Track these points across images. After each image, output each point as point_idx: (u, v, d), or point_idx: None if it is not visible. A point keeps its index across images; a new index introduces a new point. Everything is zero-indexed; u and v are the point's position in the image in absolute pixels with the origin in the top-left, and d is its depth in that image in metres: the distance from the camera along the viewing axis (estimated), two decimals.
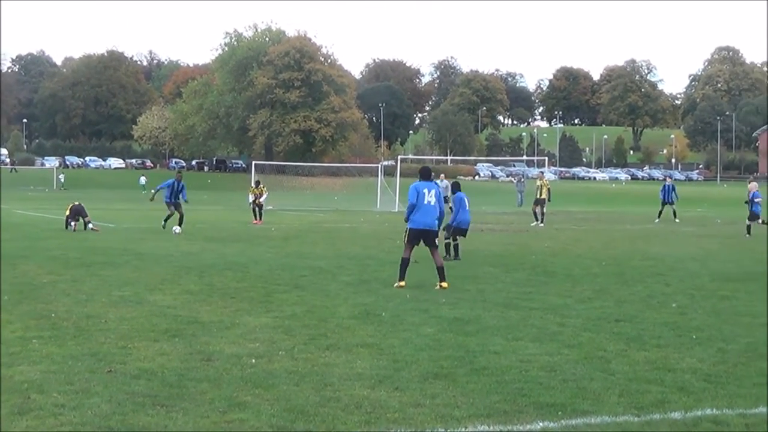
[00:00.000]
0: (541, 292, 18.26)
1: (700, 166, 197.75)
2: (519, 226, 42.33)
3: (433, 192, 18.97)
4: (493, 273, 21.73)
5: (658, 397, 9.85)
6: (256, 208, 42.93)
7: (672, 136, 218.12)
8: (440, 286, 18.54)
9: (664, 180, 50.51)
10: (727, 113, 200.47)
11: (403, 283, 18.64)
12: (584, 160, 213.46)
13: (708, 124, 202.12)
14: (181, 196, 35.34)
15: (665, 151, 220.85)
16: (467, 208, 25.73)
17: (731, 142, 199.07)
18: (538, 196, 43.72)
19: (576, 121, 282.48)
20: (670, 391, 10.14)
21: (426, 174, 19.73)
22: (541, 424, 8.75)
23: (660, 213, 47.89)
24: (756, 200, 36.44)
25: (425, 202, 18.87)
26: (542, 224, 42.06)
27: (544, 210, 43.44)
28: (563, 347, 12.56)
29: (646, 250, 29.02)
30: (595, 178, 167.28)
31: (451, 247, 25.23)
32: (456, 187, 26.44)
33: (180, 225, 34.05)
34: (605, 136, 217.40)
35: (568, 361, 11.68)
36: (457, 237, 25.46)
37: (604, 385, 10.42)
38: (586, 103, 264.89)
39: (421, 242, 19.03)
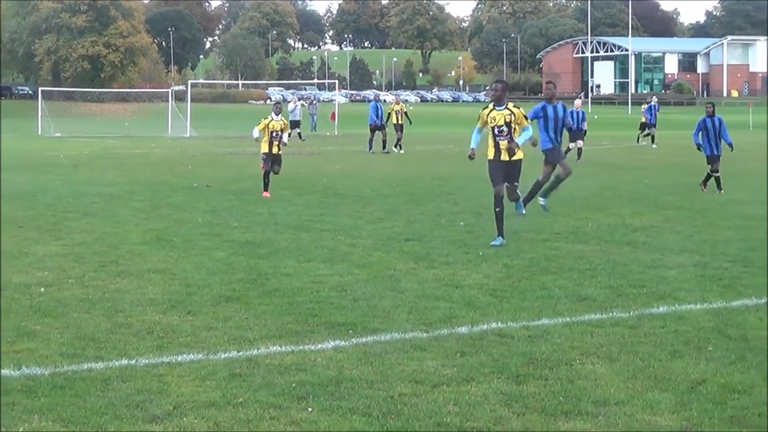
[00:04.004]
0: (332, 214, 18.42)
1: (487, 87, 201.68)
2: (311, 149, 42.41)
3: None
4: (285, 196, 21.77)
5: (446, 313, 10.13)
6: (266, 157, 22.62)
7: (460, 58, 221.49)
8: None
9: (651, 100, 47.58)
10: (512, 35, 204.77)
11: None
12: (374, 83, 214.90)
13: (494, 46, 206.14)
14: None
15: (453, 73, 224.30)
16: None
17: (516, 63, 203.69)
18: (396, 122, 41.03)
19: (366, 44, 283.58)
20: (458, 307, 10.43)
21: None
22: (332, 343, 8.88)
23: (648, 135, 45.87)
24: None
25: None
26: (403, 150, 40.32)
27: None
28: (354, 267, 12.74)
29: (435, 171, 29.55)
30: (385, 101, 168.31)
31: None
32: None
33: None
34: (395, 59, 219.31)
35: (358, 280, 11.87)
36: None
37: (393, 303, 10.63)
38: (375, 27, 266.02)
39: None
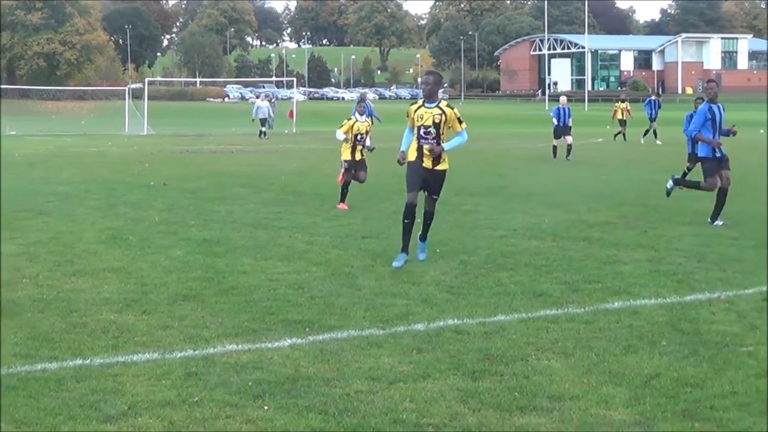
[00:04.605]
0: (290, 212, 18.40)
1: (445, 84, 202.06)
2: (269, 147, 42.32)
3: None
4: (242, 194, 21.73)
5: (403, 310, 10.15)
6: (349, 165, 19.97)
7: (418, 55, 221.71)
8: None
9: (650, 95, 45.98)
10: (470, 33, 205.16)
11: None
12: (333, 80, 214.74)
13: (452, 43, 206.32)
14: None
15: (411, 71, 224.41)
16: None
17: (474, 61, 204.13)
18: None
19: (324, 42, 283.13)
20: (414, 304, 10.46)
21: None
22: (289, 341, 8.88)
23: (648, 132, 44.74)
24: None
25: None
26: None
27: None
28: (311, 265, 12.74)
29: (393, 168, 29.51)
30: (344, 98, 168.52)
31: None
32: None
33: None
34: (353, 57, 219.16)
35: (315, 278, 11.86)
36: None
37: (350, 300, 10.64)
38: (333, 24, 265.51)
39: None
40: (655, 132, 44.57)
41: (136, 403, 7.09)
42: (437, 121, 12.62)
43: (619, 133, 46.87)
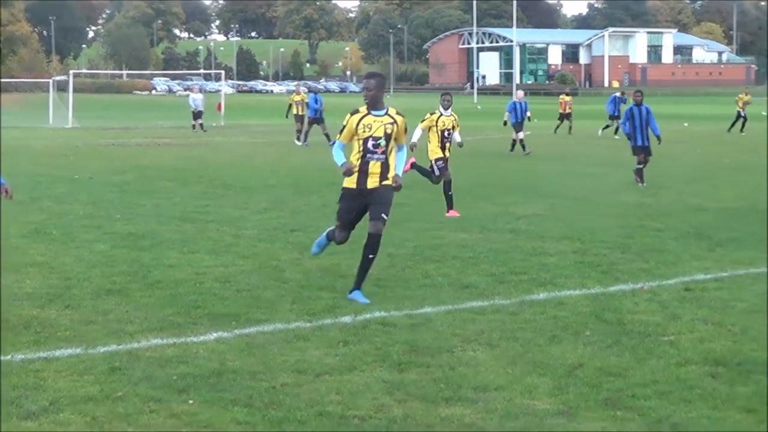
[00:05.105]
0: (217, 205, 18.30)
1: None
2: (198, 140, 42.01)
3: None
4: (169, 187, 21.55)
5: (330, 303, 10.14)
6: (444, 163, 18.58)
7: (347, 48, 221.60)
8: None
9: (622, 94, 44.23)
10: (399, 26, 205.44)
11: None
12: (261, 73, 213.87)
13: (381, 36, 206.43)
14: None
15: (341, 64, 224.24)
16: None
17: (403, 54, 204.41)
18: (297, 113, 40.21)
19: (253, 35, 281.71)
20: (342, 297, 10.46)
21: None
22: (215, 334, 8.83)
23: (607, 128, 44.32)
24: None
25: None
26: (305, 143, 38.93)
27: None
28: (238, 258, 12.69)
29: (322, 161, 29.50)
30: (272, 91, 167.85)
31: None
32: None
33: None
34: (282, 50, 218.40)
35: (242, 271, 11.82)
36: None
37: (277, 293, 10.62)
38: (262, 17, 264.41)
39: None
40: (617, 129, 43.83)
41: (57, 398, 7.01)
42: (389, 132, 10.44)
43: (559, 126, 47.07)
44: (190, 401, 6.99)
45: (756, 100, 59.95)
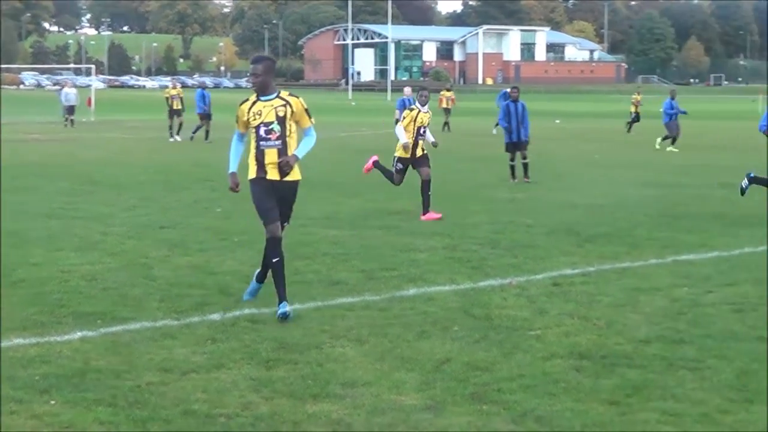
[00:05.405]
0: (85, 202, 18.01)
1: (249, 73, 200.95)
2: (67, 135, 41.24)
3: None
4: (36, 183, 21.12)
5: (198, 300, 10.05)
6: (405, 165, 17.89)
7: (221, 44, 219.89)
8: None
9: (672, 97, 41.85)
10: (274, 22, 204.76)
11: None
12: (134, 68, 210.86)
13: (256, 32, 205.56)
14: None
15: (215, 59, 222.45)
16: None
17: (278, 50, 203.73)
18: (174, 108, 39.77)
19: (125, 29, 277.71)
20: (211, 294, 10.38)
21: None
22: (79, 333, 8.67)
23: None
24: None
25: None
26: None
27: None
28: (106, 256, 12.49)
29: (195, 157, 29.23)
30: (145, 87, 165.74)
31: None
32: None
33: None
34: (155, 44, 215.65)
35: (110, 269, 11.63)
36: None
37: (145, 291, 10.48)
38: (135, 11, 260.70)
39: None
40: (496, 124, 43.95)
41: None
42: (281, 114, 9.74)
43: (446, 123, 47.33)
44: (52, 401, 6.85)
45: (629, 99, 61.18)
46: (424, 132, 17.41)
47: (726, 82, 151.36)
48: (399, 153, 17.40)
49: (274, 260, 9.77)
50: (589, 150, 34.26)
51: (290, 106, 9.75)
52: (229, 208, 17.31)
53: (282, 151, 9.70)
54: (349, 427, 6.51)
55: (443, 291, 10.64)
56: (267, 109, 9.71)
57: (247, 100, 9.88)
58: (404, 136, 17.23)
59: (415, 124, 17.21)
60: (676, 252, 13.10)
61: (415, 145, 17.27)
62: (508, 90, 44.70)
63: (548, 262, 12.40)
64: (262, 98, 9.78)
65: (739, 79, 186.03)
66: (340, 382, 7.36)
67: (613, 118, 65.81)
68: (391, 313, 9.56)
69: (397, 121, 34.42)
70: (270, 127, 9.67)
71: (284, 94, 9.86)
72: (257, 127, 9.72)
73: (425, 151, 17.50)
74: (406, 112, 17.53)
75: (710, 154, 32.57)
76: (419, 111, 17.36)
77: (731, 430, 6.46)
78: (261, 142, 9.72)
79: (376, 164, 18.09)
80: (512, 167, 22.56)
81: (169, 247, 13.24)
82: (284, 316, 9.31)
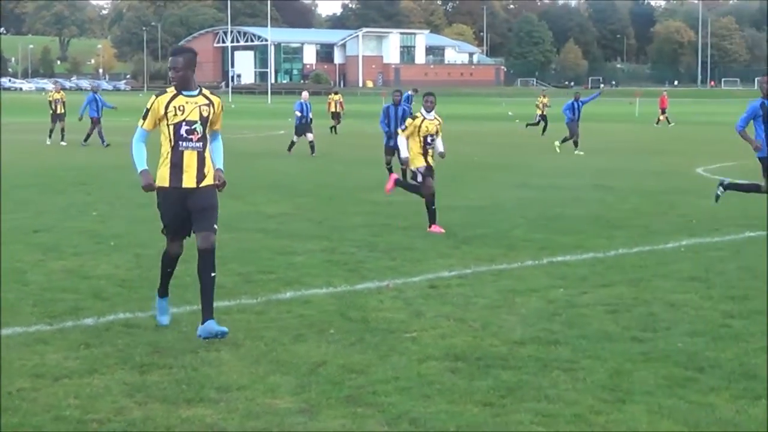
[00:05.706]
0: None
1: (128, 76, 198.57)
2: None
3: None
4: None
5: (72, 305, 9.92)
6: (426, 171, 16.45)
7: (99, 46, 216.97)
8: None
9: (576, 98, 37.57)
10: (153, 24, 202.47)
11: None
12: (10, 70, 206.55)
13: (134, 34, 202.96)
14: None
15: (93, 61, 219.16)
16: None
17: (157, 52, 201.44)
18: (57, 112, 38.71)
19: (1, 30, 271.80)
20: (84, 298, 10.25)
21: None
22: None
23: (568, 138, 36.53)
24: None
25: None
26: None
27: None
28: None
29: (71, 161, 28.79)
30: (21, 89, 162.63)
31: None
32: None
33: None
34: (31, 46, 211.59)
35: None
36: None
37: (18, 296, 10.32)
38: (11, 12, 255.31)
39: None
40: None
41: None
42: (205, 114, 8.79)
43: (334, 126, 47.35)
44: None
45: (513, 101, 62.05)
46: (432, 141, 16.13)
47: (602, 85, 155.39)
48: (415, 164, 16.21)
49: (167, 269, 9.30)
50: (469, 152, 34.59)
51: (213, 105, 8.86)
52: (105, 211, 17.13)
53: (201, 156, 8.79)
54: (223, 430, 6.51)
55: (320, 294, 10.67)
56: (190, 106, 8.72)
57: (165, 92, 8.84)
58: (405, 150, 16.19)
59: (420, 133, 16.01)
60: (552, 253, 13.33)
61: (425, 153, 16.09)
62: (410, 92, 44.78)
63: (425, 265, 12.52)
64: (185, 93, 8.77)
65: (613, 82, 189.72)
66: (215, 386, 7.34)
67: (493, 120, 66.75)
68: (267, 317, 9.57)
69: (298, 120, 34.02)
70: (193, 126, 8.70)
71: (206, 92, 8.94)
72: (177, 125, 8.70)
73: (433, 161, 16.36)
74: (408, 120, 16.34)
75: (587, 156, 33.15)
76: (423, 119, 16.05)
77: (603, 431, 6.60)
78: (180, 143, 8.71)
79: (397, 182, 16.99)
80: (389, 170, 22.65)
81: (43, 251, 13.04)
82: (223, 334, 8.53)
